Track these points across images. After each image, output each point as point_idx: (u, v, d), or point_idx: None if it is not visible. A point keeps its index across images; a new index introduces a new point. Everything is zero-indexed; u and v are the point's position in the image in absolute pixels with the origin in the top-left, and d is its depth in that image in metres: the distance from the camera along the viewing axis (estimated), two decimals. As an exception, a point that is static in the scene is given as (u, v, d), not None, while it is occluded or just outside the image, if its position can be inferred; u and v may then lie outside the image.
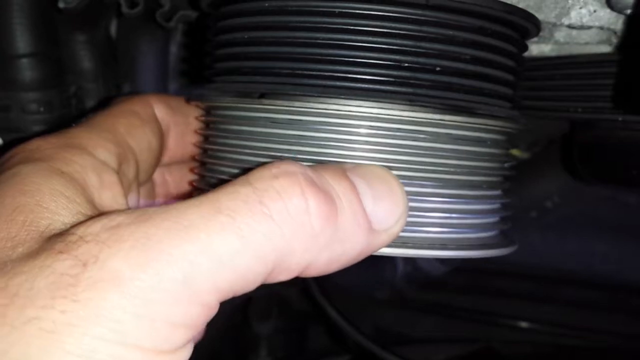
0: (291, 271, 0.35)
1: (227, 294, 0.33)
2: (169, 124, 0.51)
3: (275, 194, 0.33)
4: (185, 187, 0.55)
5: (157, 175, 0.54)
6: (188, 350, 0.33)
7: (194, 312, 0.32)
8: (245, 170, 0.44)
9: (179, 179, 0.55)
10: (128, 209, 0.35)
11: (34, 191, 0.36)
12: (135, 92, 0.76)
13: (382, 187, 0.38)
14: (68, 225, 0.34)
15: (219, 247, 0.32)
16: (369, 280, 1.11)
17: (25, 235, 0.33)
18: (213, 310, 0.33)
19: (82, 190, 0.38)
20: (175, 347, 0.31)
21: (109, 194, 0.41)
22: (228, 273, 0.32)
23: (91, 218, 0.34)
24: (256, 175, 0.34)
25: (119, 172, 0.44)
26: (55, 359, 0.29)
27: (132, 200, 0.46)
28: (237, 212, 0.32)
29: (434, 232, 0.44)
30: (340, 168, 0.38)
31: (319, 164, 0.40)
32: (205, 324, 0.33)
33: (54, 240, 0.32)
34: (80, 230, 0.32)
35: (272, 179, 0.34)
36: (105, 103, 0.50)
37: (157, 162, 0.51)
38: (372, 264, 1.08)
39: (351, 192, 0.37)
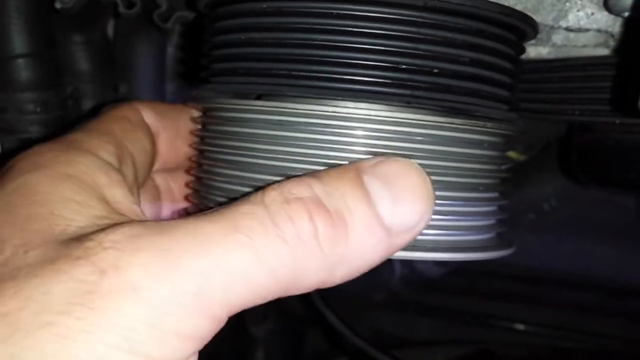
0: (305, 288, 0.36)
1: (238, 309, 0.34)
2: (158, 128, 0.52)
3: (287, 218, 0.34)
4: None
5: (161, 182, 0.55)
6: None
7: (203, 325, 0.32)
8: (242, 174, 0.45)
9: (183, 184, 0.56)
10: (146, 221, 0.36)
11: (45, 200, 0.36)
12: (131, 94, 0.76)
13: (402, 187, 0.38)
14: (84, 229, 0.34)
15: (234, 264, 0.32)
16: (366, 282, 1.11)
17: (40, 241, 0.33)
18: (222, 323, 0.33)
19: (92, 191, 0.38)
20: (182, 358, 0.32)
21: (120, 192, 0.40)
22: (241, 288, 0.33)
23: (110, 226, 0.34)
24: (269, 197, 0.35)
25: (120, 173, 0.43)
26: None
27: None
28: (254, 232, 0.33)
29: (431, 235, 0.44)
30: (355, 172, 0.38)
31: (332, 167, 0.39)
32: (212, 336, 0.33)
33: (72, 245, 0.32)
34: (99, 237, 0.33)
35: (284, 204, 0.35)
36: (95, 112, 0.50)
37: (151, 165, 0.51)
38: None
39: (364, 204, 0.36)
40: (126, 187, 0.41)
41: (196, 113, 0.52)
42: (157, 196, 0.54)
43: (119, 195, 0.40)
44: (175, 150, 0.54)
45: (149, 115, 0.51)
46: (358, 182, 0.37)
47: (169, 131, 0.53)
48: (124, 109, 0.49)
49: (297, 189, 0.36)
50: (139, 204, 0.45)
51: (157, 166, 0.53)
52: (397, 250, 0.39)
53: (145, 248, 0.32)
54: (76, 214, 0.36)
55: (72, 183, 0.38)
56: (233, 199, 0.38)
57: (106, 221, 0.35)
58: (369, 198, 0.37)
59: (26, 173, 0.38)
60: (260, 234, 0.33)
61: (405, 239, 0.38)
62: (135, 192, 0.47)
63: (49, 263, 0.31)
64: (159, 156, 0.52)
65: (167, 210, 0.55)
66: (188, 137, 0.53)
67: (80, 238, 0.33)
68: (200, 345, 0.33)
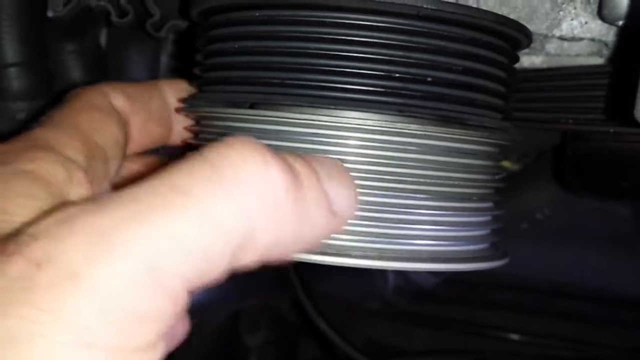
0: (257, 250, 0.32)
1: (194, 281, 0.30)
2: (129, 113, 0.48)
3: (233, 166, 0.31)
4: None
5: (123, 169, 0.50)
6: (160, 351, 0.30)
7: (160, 303, 0.29)
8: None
9: (149, 168, 0.51)
10: (80, 200, 0.33)
11: None
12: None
13: (334, 170, 0.38)
14: (25, 225, 0.32)
15: (180, 230, 0.29)
16: (360, 291, 1.10)
17: None
18: (181, 300, 0.30)
19: (45, 186, 0.36)
20: (145, 344, 0.29)
21: (80, 192, 0.38)
22: (192, 257, 0.30)
23: (42, 214, 0.31)
24: (211, 148, 0.32)
25: (88, 170, 0.41)
26: None
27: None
28: (195, 190, 0.30)
29: (425, 245, 0.43)
30: (292, 152, 0.37)
31: None
32: (174, 317, 0.30)
33: (5, 242, 0.30)
34: (31, 228, 0.30)
35: (229, 149, 0.32)
36: (59, 98, 0.47)
37: (124, 154, 0.48)
38: (363, 275, 1.08)
39: (310, 169, 0.35)
40: (89, 188, 0.39)
41: (189, 122, 0.52)
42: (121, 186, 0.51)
43: (77, 196, 0.38)
44: (147, 134, 0.50)
45: (118, 99, 0.47)
46: (299, 155, 0.36)
47: (141, 114, 0.49)
48: (91, 95, 0.46)
49: (243, 137, 0.33)
50: None
51: (129, 152, 0.49)
52: (330, 233, 0.38)
53: (79, 230, 0.29)
54: (20, 206, 0.33)
55: (24, 177, 0.36)
56: None
57: None
58: (313, 167, 0.36)
59: None
60: (202, 191, 0.30)
61: (339, 223, 0.38)
62: (105, 186, 0.44)
63: None
64: (131, 142, 0.49)
65: None
66: (160, 119, 0.51)
67: (15, 232, 0.30)
68: (162, 327, 0.30)
